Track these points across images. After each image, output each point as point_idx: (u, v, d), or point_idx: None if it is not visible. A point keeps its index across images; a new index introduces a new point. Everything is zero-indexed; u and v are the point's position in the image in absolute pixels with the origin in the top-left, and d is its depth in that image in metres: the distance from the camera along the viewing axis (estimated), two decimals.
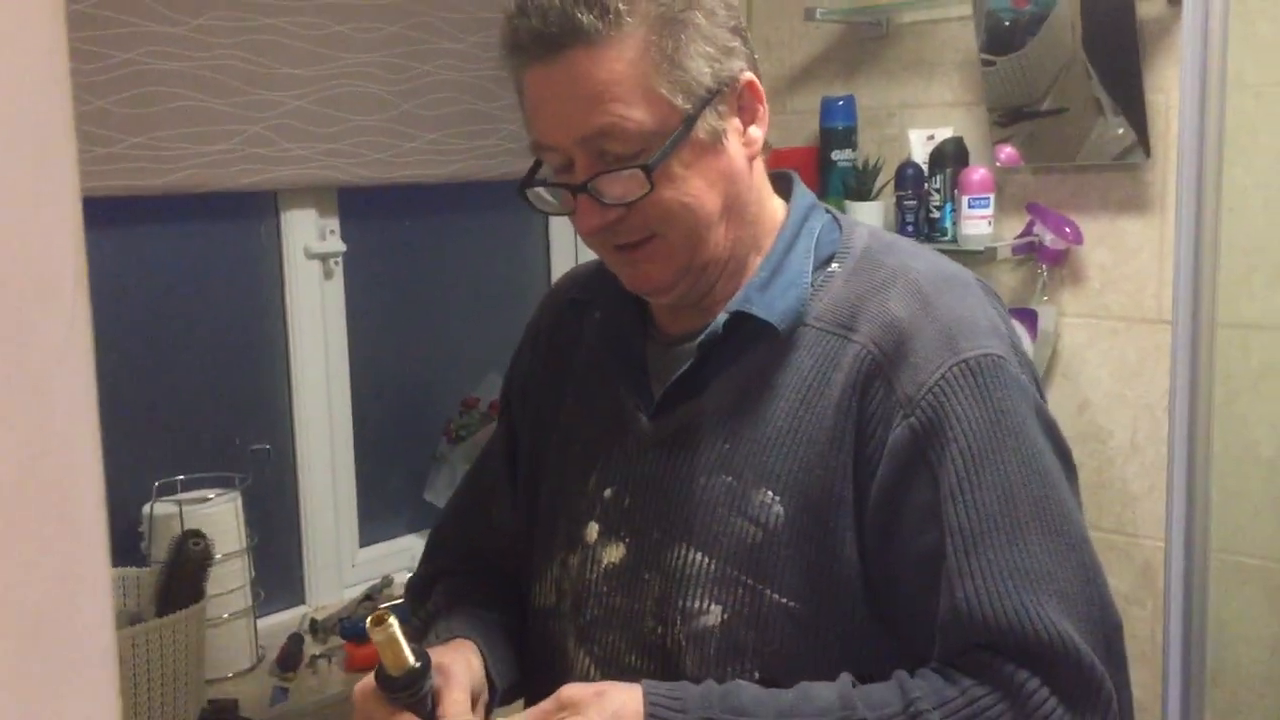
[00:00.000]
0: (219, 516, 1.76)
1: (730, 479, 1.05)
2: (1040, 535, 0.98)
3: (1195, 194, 1.45)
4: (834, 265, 1.08)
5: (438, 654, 1.02)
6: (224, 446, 1.93)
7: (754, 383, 1.06)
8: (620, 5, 0.96)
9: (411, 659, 0.99)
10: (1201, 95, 1.41)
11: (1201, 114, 1.41)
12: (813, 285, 1.07)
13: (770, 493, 1.02)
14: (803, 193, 1.12)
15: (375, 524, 2.29)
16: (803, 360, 1.05)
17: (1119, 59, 2.06)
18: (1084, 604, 0.97)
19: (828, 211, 1.13)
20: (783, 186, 1.13)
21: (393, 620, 0.97)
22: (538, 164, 1.07)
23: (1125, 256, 2.12)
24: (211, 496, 1.80)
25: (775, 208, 1.11)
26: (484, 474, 1.32)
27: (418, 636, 1.17)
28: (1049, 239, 2.13)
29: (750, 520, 1.03)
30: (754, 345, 1.07)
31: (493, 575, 1.26)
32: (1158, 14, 2.04)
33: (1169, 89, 2.01)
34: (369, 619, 0.97)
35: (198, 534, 1.61)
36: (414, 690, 0.99)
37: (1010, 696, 0.94)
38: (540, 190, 1.06)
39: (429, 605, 1.23)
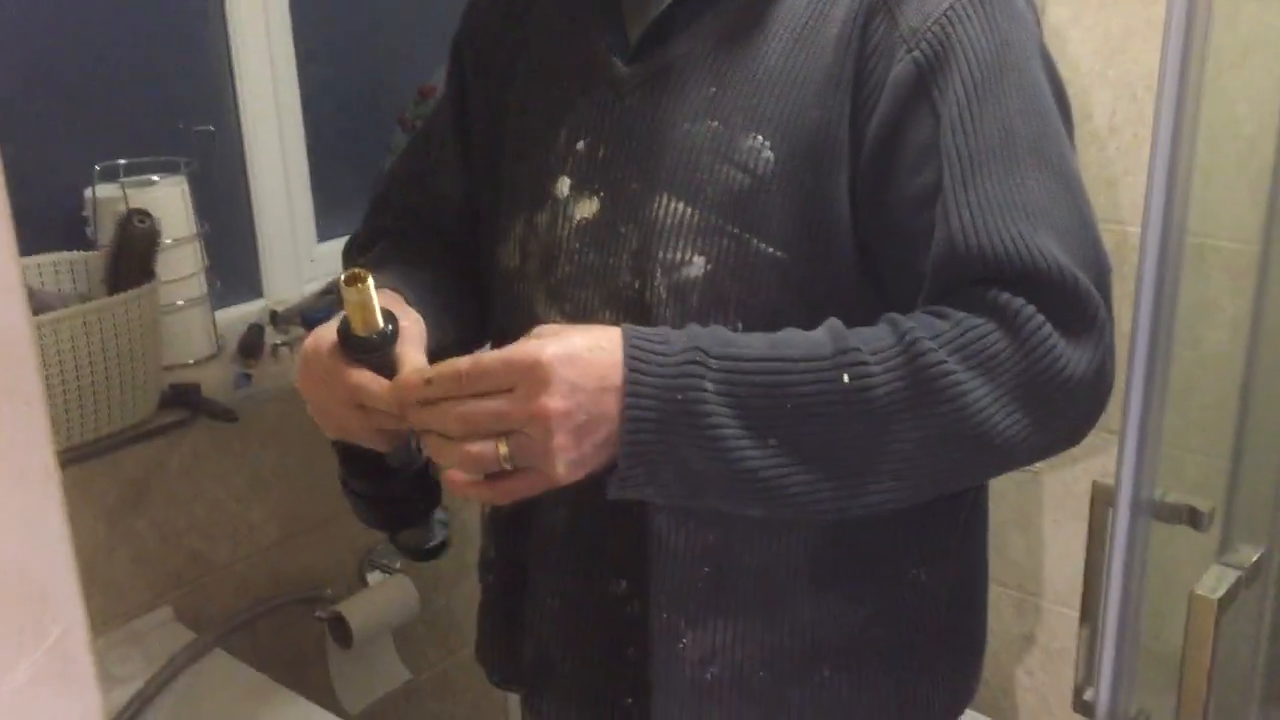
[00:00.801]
0: (165, 199, 1.69)
1: (717, 124, 0.99)
2: (1037, 171, 0.94)
3: None
4: None
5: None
6: (166, 131, 1.83)
7: (743, 19, 0.99)
8: None
9: (381, 321, 0.95)
10: None
11: None
12: None
13: (760, 137, 0.97)
14: None
15: (332, 218, 2.22)
16: None
17: None
18: (1078, 242, 0.95)
19: None
20: None
21: (369, 280, 0.93)
22: None
23: None
24: (156, 179, 1.73)
25: None
26: (429, 139, 1.26)
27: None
28: None
29: (738, 167, 0.98)
30: None
31: (432, 238, 1.22)
32: None
33: None
34: (343, 277, 0.93)
35: (143, 213, 1.55)
36: (382, 353, 0.96)
37: (1005, 322, 0.92)
38: None
39: (363, 260, 1.20)
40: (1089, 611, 1.46)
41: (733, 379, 0.88)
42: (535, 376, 0.85)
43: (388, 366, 0.95)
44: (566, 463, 0.87)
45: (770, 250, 0.97)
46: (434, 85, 2.43)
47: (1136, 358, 1.79)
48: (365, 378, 0.93)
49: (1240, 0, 1.82)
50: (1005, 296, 0.91)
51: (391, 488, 1.06)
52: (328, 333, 0.95)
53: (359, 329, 0.93)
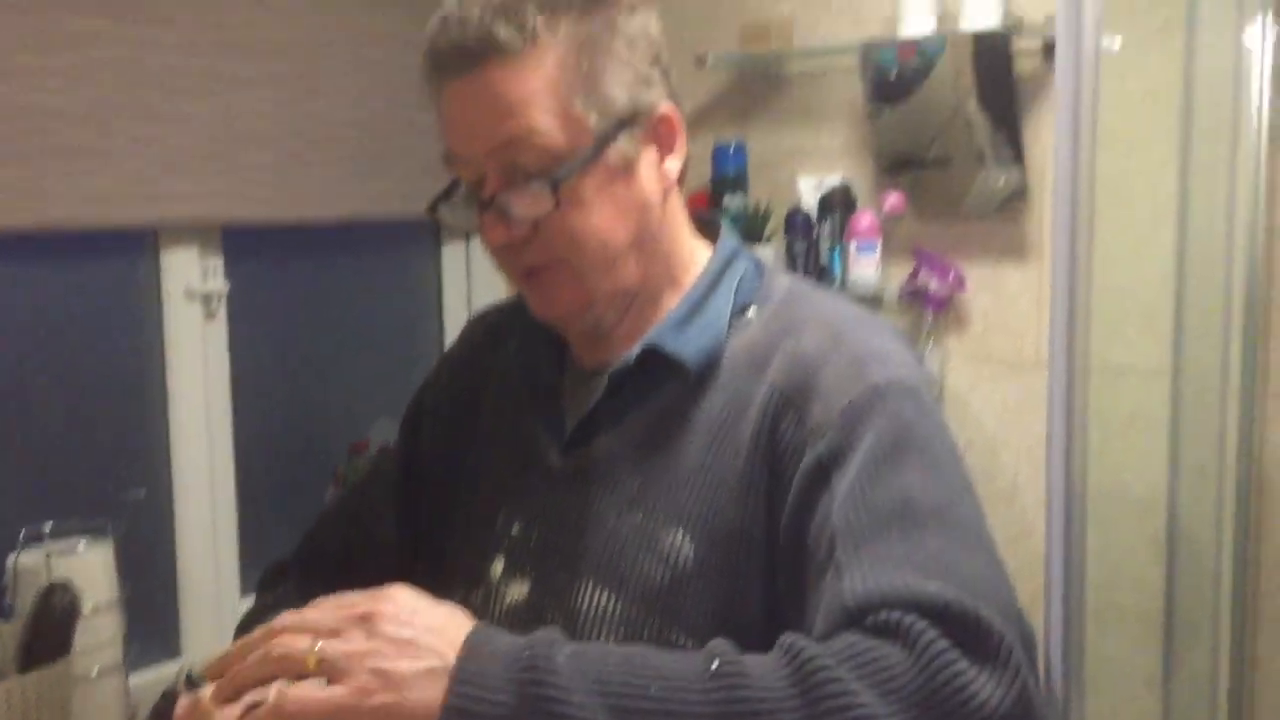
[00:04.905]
0: (89, 566, 1.69)
1: (641, 517, 1.02)
2: (940, 533, 0.89)
3: (1069, 244, 1.49)
4: (751, 311, 1.08)
5: None
6: (96, 494, 1.86)
7: (665, 420, 1.05)
8: (539, 23, 0.96)
9: None
10: (1074, 149, 1.46)
11: (1074, 167, 1.46)
12: (730, 329, 1.06)
13: (681, 532, 1.00)
14: (729, 238, 1.13)
15: (259, 572, 2.22)
16: (714, 399, 1.03)
17: (1001, 111, 2.12)
18: (992, 594, 0.86)
19: (751, 258, 1.13)
20: (710, 231, 1.13)
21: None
22: (455, 184, 1.05)
23: (1006, 302, 2.17)
24: (81, 545, 1.73)
25: (693, 246, 1.11)
26: (369, 484, 1.30)
27: (257, 619, 1.14)
28: (934, 285, 2.18)
29: (659, 560, 1.00)
30: (667, 382, 1.05)
31: (347, 578, 1.25)
32: (1034, 70, 2.11)
33: (1046, 142, 2.07)
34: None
35: (65, 585, 1.54)
36: None
37: (900, 637, 0.82)
38: (451, 206, 1.05)
39: (278, 591, 1.20)
40: None
41: (588, 653, 0.84)
42: (374, 593, 0.85)
43: None
44: (373, 670, 0.81)
45: (689, 643, 0.98)
46: (366, 441, 2.51)
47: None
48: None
49: (1121, 375, 1.97)
50: (898, 615, 0.83)
51: None
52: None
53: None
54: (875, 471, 0.93)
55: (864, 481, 0.92)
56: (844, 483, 0.93)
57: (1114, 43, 2.03)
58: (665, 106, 1.03)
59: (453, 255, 2.65)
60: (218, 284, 2.12)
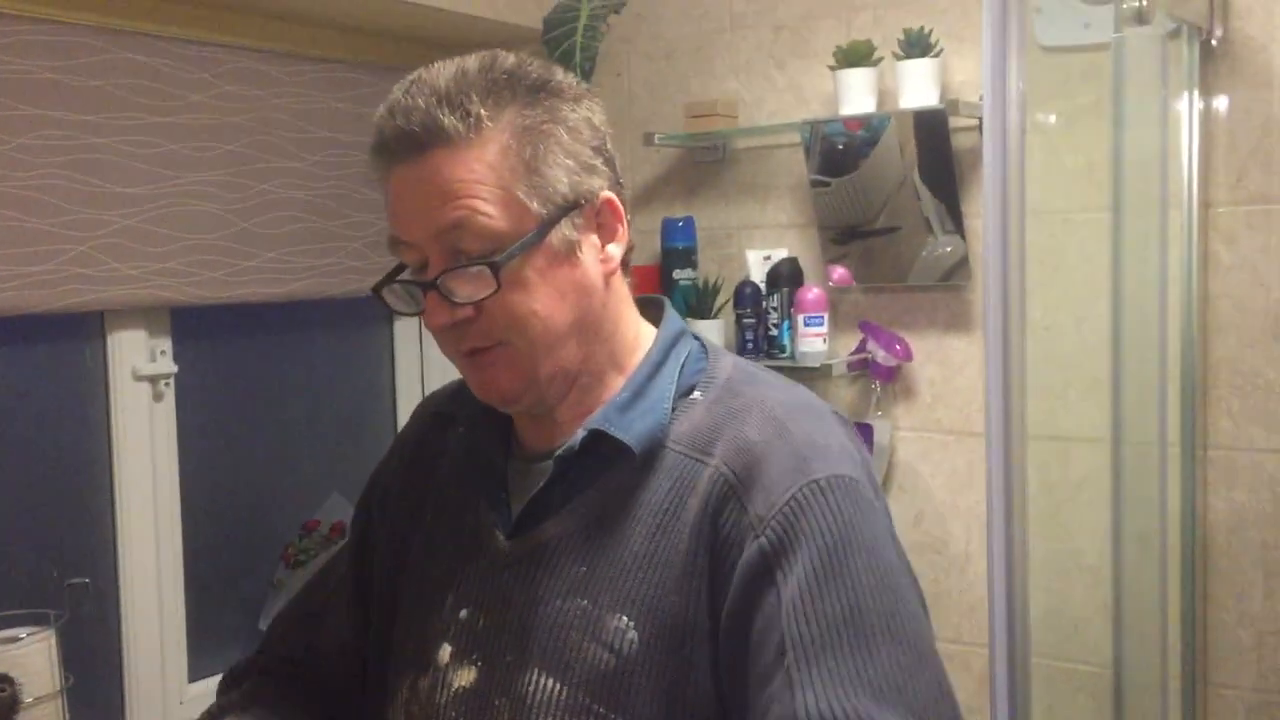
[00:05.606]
0: (31, 657, 1.66)
1: (586, 603, 1.02)
2: (890, 647, 0.94)
3: (1001, 315, 1.51)
4: (696, 393, 1.08)
5: None
6: (39, 582, 1.84)
7: (610, 504, 1.05)
8: (483, 111, 0.99)
9: None
10: (1003, 223, 1.49)
11: (1003, 241, 1.49)
12: (674, 411, 1.07)
13: (625, 618, 1.00)
14: (673, 319, 1.14)
15: (208, 656, 2.19)
16: (659, 483, 1.04)
17: (941, 185, 2.17)
18: (938, 714, 0.93)
19: (696, 338, 1.14)
20: (654, 312, 1.14)
21: None
22: (400, 267, 1.07)
23: (952, 372, 2.20)
24: (23, 636, 1.71)
25: (637, 328, 1.12)
26: (327, 579, 1.30)
27: None
28: (881, 355, 2.20)
29: (604, 646, 1.00)
30: (612, 466, 1.06)
31: (307, 679, 1.23)
32: (972, 145, 2.16)
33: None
34: None
35: (5, 678, 1.52)
36: None
37: None
38: (395, 288, 1.06)
39: (232, 695, 1.20)
40: None
41: None
42: None
43: None
44: None
45: None
46: (318, 520, 2.49)
47: None
48: None
49: (1068, 444, 2.00)
50: None
51: None
52: None
53: None
54: (823, 576, 0.95)
55: (812, 588, 0.95)
56: (790, 586, 0.95)
57: (1047, 118, 2.08)
58: (607, 193, 1.05)
59: (405, 331, 2.66)
60: (166, 365, 2.12)
